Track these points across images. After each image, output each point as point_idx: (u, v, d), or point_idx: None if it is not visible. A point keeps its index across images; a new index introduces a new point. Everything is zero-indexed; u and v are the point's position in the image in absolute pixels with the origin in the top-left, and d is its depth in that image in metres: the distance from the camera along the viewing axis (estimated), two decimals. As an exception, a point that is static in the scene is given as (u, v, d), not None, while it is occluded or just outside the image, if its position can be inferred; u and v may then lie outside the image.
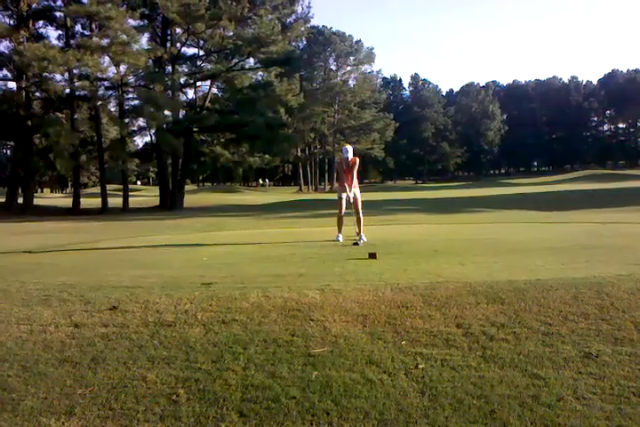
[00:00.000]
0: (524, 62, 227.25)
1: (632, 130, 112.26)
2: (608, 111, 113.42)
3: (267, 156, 37.67)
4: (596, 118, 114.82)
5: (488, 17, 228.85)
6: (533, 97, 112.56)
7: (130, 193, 38.37)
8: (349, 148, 9.86)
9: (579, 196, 29.64)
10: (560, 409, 2.65)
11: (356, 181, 9.74)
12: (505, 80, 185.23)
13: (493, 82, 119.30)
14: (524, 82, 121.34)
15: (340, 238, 9.33)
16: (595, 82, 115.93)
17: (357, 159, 9.73)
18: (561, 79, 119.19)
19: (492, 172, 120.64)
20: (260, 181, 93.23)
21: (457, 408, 2.69)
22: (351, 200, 9.64)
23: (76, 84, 31.15)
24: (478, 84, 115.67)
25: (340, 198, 9.61)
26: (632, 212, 17.88)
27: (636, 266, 5.53)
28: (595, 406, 2.67)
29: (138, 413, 2.74)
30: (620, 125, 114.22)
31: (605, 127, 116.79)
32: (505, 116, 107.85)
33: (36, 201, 35.22)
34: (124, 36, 29.62)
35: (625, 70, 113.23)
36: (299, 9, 40.33)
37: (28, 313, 4.38)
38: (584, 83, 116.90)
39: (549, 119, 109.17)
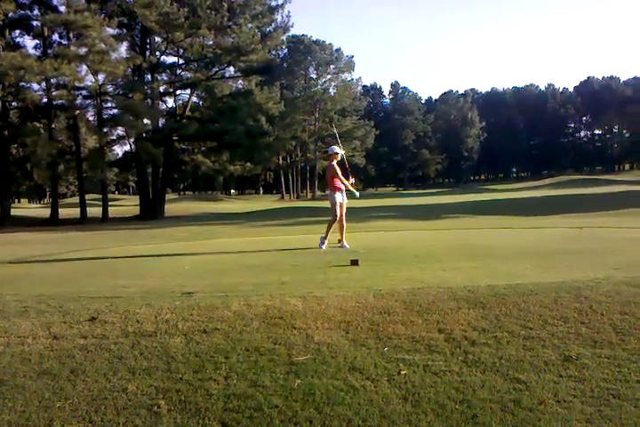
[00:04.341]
0: (502, 70, 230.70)
1: (608, 136, 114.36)
2: (584, 118, 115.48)
3: (248, 164, 37.57)
4: (572, 125, 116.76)
5: (466, 26, 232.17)
6: (511, 104, 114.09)
7: (109, 202, 38.03)
8: (336, 147, 9.84)
9: (557, 201, 30.03)
10: (541, 413, 2.67)
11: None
12: (483, 88, 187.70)
13: (472, 89, 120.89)
14: (502, 89, 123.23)
15: (324, 246, 9.27)
16: (571, 89, 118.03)
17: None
18: (538, 86, 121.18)
19: (471, 178, 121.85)
20: (232, 191, 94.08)
21: (439, 413, 2.69)
22: (344, 205, 9.60)
23: (54, 93, 30.86)
24: (457, 91, 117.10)
25: (336, 203, 9.41)
26: (609, 216, 18.16)
27: (614, 270, 5.61)
28: (575, 409, 2.69)
29: (118, 425, 2.69)
30: (597, 131, 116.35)
31: (582, 133, 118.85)
32: (484, 124, 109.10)
33: (14, 211, 34.70)
34: (103, 45, 29.43)
35: (600, 77, 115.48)
36: (278, 18, 40.27)
37: (5, 325, 4.30)
38: (560, 90, 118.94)
39: (527, 126, 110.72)
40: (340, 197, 9.47)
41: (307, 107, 74.57)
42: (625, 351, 3.39)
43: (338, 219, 9.44)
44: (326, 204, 9.90)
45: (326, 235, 9.40)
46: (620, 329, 3.75)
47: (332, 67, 77.91)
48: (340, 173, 9.51)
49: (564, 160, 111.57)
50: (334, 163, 9.54)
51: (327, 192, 9.91)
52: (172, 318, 4.27)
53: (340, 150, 9.66)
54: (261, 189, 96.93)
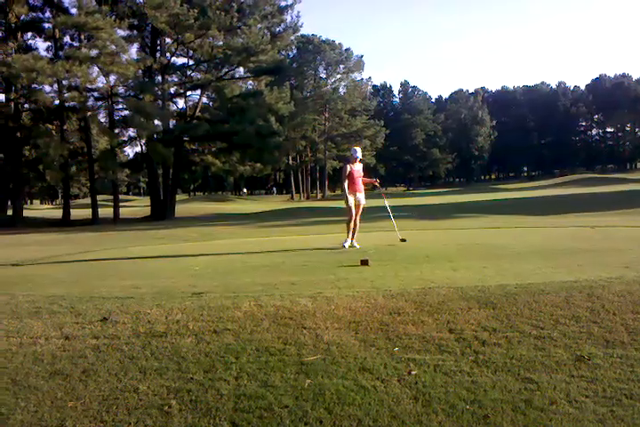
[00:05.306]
0: (513, 68, 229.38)
1: (620, 134, 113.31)
2: (596, 116, 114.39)
3: (258, 164, 37.59)
4: (584, 123, 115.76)
5: (476, 24, 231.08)
6: (522, 103, 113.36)
7: (121, 203, 38.24)
8: (359, 149, 9.77)
9: (568, 200, 29.84)
10: (553, 413, 2.65)
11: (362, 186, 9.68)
12: (494, 86, 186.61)
13: (482, 88, 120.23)
14: (512, 88, 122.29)
15: (347, 244, 9.23)
16: (582, 87, 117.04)
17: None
18: (549, 85, 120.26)
19: (482, 177, 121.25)
20: (245, 191, 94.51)
21: (450, 414, 2.68)
22: (360, 206, 9.58)
23: (66, 95, 31.08)
24: (467, 90, 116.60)
25: (350, 204, 9.40)
26: (621, 215, 18.02)
27: (626, 269, 5.56)
28: (587, 410, 2.68)
29: (130, 425, 2.71)
30: (609, 130, 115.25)
31: (594, 132, 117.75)
32: (494, 122, 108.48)
33: (26, 213, 34.99)
34: (113, 47, 29.57)
35: (612, 75, 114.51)
36: (288, 18, 40.21)
37: (17, 326, 4.34)
38: (572, 88, 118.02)
39: (538, 124, 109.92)
40: (352, 199, 9.44)
41: (316, 106, 74.50)
42: (637, 351, 3.37)
43: (352, 219, 9.43)
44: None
45: (347, 234, 9.39)
46: (632, 329, 3.72)
47: (341, 66, 77.78)
48: (358, 174, 9.49)
49: (576, 159, 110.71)
50: (354, 165, 9.50)
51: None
52: (182, 318, 4.29)
53: (358, 155, 9.62)
54: (275, 189, 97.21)
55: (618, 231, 10.82)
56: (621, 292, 4.47)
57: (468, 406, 2.75)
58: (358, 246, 9.24)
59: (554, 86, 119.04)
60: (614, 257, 6.66)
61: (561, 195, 35.72)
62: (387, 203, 10.99)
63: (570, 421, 2.58)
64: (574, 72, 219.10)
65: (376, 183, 10.09)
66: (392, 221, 10.54)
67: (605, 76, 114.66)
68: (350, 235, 9.39)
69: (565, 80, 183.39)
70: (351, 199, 9.41)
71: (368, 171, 9.94)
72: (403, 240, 9.64)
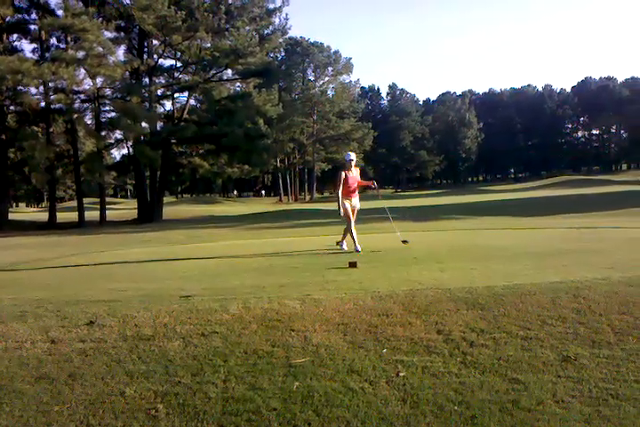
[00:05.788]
0: (500, 71, 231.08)
1: (605, 136, 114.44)
2: (582, 118, 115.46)
3: (246, 166, 37.53)
4: (570, 125, 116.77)
5: (464, 27, 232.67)
6: (509, 105, 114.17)
7: (107, 206, 37.98)
8: (352, 153, 9.67)
9: (556, 201, 30.07)
10: (540, 413, 2.67)
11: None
12: (481, 89, 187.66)
13: (469, 90, 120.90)
14: (499, 90, 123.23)
15: (359, 248, 9.06)
16: (568, 89, 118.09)
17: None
18: (535, 87, 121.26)
19: (469, 179, 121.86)
20: (236, 192, 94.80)
21: (438, 415, 2.69)
22: (355, 210, 9.56)
23: (52, 97, 30.82)
24: (455, 92, 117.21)
25: (346, 208, 9.28)
26: (607, 216, 18.18)
27: (612, 270, 5.61)
28: (574, 410, 2.69)
29: (116, 429, 2.69)
30: (594, 132, 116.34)
31: (579, 134, 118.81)
32: (481, 125, 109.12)
33: (11, 215, 34.63)
34: (100, 49, 29.38)
35: (597, 78, 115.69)
36: (276, 21, 40.39)
37: (2, 330, 4.29)
38: (558, 90, 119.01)
39: (525, 127, 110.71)
40: (347, 203, 9.39)
41: (305, 109, 74.54)
42: (623, 351, 3.40)
43: (351, 225, 9.36)
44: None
45: (353, 240, 9.20)
46: (618, 329, 3.76)
47: (330, 69, 77.93)
48: (353, 180, 9.43)
49: (562, 161, 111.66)
50: (349, 172, 9.41)
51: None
52: (170, 321, 4.26)
53: (353, 157, 9.54)
54: (263, 192, 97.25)
55: (604, 232, 10.92)
56: (607, 292, 4.51)
57: (455, 407, 2.75)
58: (346, 248, 9.24)
59: (540, 89, 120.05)
60: (600, 258, 6.72)
61: (548, 196, 35.99)
62: (385, 205, 10.94)
63: (556, 421, 2.59)
64: (560, 75, 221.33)
65: (372, 185, 9.97)
66: (392, 223, 10.48)
67: (591, 78, 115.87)
68: (353, 238, 9.20)
69: (552, 83, 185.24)
70: (347, 205, 9.35)
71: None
72: (404, 242, 9.27)
